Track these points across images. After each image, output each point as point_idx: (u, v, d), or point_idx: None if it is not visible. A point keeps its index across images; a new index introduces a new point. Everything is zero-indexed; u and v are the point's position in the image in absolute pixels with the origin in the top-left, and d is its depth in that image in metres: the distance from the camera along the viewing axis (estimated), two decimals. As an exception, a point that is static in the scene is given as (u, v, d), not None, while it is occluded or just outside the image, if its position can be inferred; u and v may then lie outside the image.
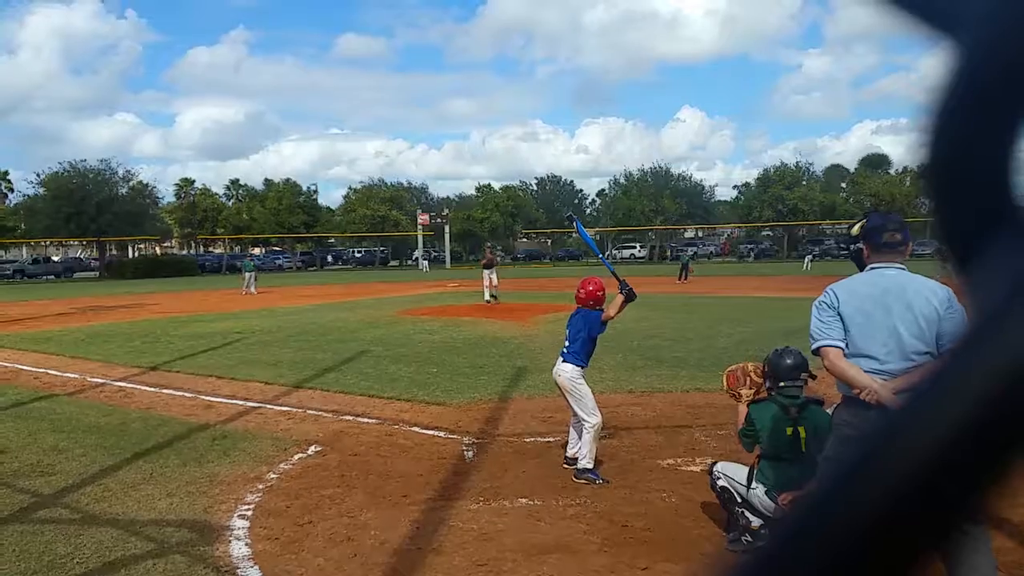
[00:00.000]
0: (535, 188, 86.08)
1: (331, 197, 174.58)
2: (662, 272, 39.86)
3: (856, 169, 75.60)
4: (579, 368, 5.53)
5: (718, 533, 4.37)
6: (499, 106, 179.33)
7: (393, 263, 71.75)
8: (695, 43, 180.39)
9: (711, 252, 69.86)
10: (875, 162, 78.55)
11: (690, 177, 75.94)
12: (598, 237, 78.00)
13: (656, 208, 67.60)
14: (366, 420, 7.37)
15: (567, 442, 5.77)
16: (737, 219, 71.97)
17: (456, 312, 18.82)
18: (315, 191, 69.97)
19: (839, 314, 3.28)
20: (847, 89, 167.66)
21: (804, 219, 63.78)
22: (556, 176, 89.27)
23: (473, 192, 77.98)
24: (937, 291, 3.17)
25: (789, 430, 4.02)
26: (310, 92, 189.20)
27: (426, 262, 57.52)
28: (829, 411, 3.97)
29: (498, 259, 22.63)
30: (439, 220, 64.90)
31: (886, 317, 3.18)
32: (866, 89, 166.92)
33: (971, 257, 0.33)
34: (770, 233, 68.24)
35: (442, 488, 5.28)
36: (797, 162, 69.55)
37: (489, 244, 29.32)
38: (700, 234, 78.35)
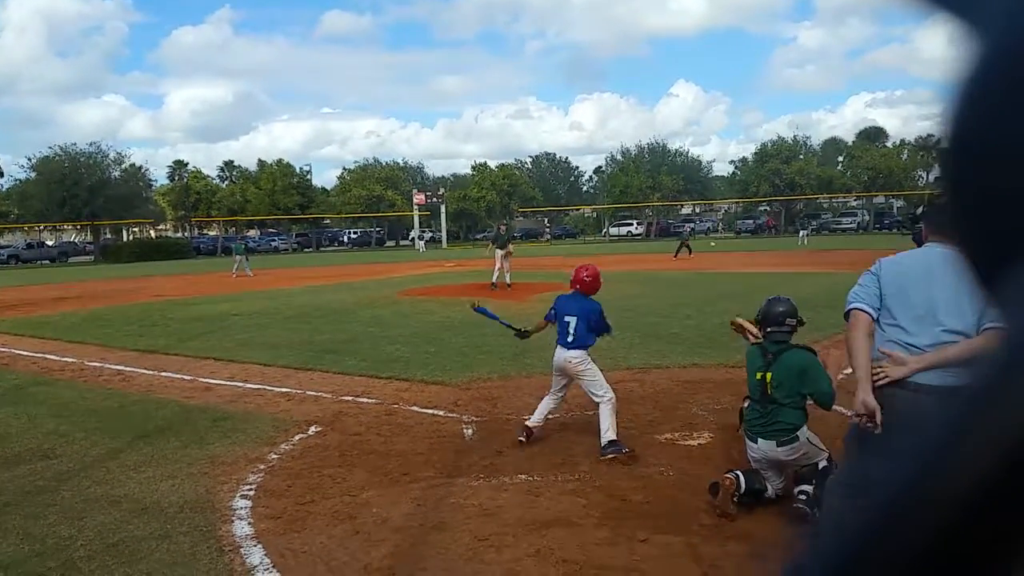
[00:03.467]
0: (530, 166, 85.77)
1: (324, 177, 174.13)
2: (661, 249, 39.86)
3: (853, 142, 75.28)
4: (585, 351, 5.53)
5: (705, 501, 4.41)
6: (490, 83, 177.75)
7: (389, 243, 71.64)
8: (685, 16, 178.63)
9: (708, 228, 69.81)
10: (872, 135, 78.22)
11: (687, 152, 75.71)
12: (595, 215, 77.84)
13: (653, 184, 67.42)
14: (365, 400, 7.40)
15: (531, 415, 5.78)
16: (735, 194, 71.85)
17: (453, 291, 18.80)
18: (309, 172, 69.69)
19: (879, 283, 3.28)
20: (841, 61, 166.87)
21: (801, 193, 63.68)
22: (551, 154, 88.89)
23: (468, 171, 77.78)
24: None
25: (759, 375, 4.22)
26: (299, 71, 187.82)
27: (423, 242, 57.40)
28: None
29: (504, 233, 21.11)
30: (435, 200, 64.68)
31: (925, 291, 3.12)
32: (860, 61, 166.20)
33: (998, 272, 0.29)
34: (767, 208, 68.17)
35: (442, 466, 5.32)
36: (795, 136, 69.36)
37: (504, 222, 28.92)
38: (697, 210, 78.22)
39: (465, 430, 6.24)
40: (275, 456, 5.67)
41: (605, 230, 72.18)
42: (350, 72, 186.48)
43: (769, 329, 4.34)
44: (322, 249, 67.09)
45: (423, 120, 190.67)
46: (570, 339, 5.52)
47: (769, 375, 4.20)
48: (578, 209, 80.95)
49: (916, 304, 3.15)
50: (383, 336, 11.50)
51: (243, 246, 31.60)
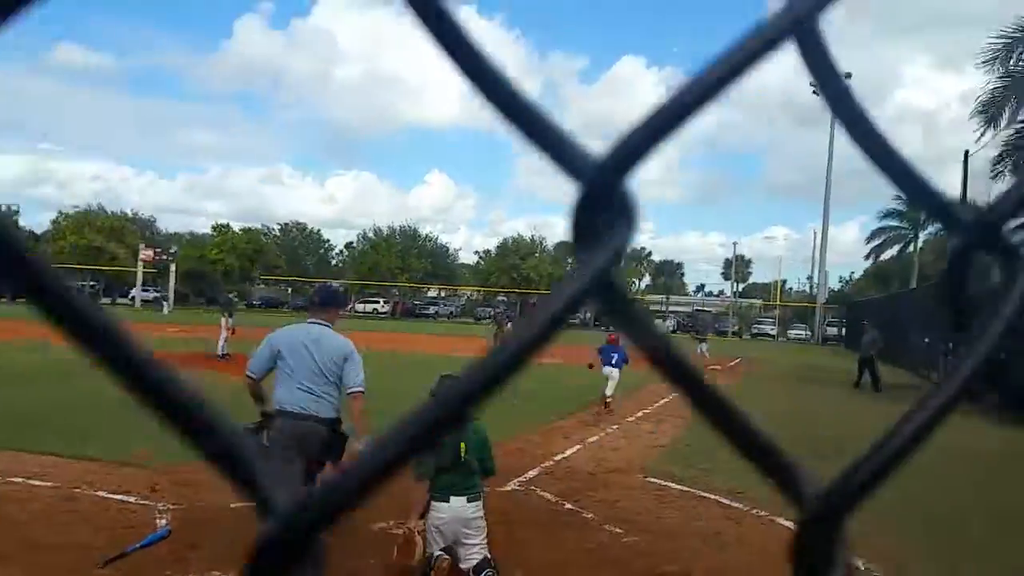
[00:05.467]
0: (278, 233, 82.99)
1: (36, 221, 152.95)
2: (408, 328, 40.12)
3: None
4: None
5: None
6: (242, 143, 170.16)
7: (104, 300, 64.34)
8: (441, 113, 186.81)
9: (451, 312, 72.08)
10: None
11: (436, 239, 78.42)
12: (344, 288, 76.87)
13: (402, 266, 68.64)
14: (38, 482, 6.42)
15: None
16: (477, 282, 75.30)
17: (173, 360, 17.23)
18: (17, 212, 60.96)
19: (277, 352, 4.70)
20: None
21: (535, 288, 68.48)
22: (301, 224, 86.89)
23: (208, 231, 73.21)
24: (342, 346, 4.77)
25: (452, 445, 4.58)
26: (16, 98, 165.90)
27: (166, 303, 52.14)
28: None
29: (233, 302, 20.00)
30: (165, 258, 59.72)
31: (308, 355, 4.63)
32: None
33: None
34: (505, 299, 72.22)
35: (123, 562, 4.74)
36: (532, 236, 75.05)
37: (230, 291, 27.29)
38: (443, 294, 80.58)
39: (158, 520, 5.65)
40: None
41: (351, 305, 71.40)
42: (80, 110, 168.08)
43: None
44: (18, 301, 58.34)
45: (162, 170, 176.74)
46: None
47: (463, 444, 4.63)
48: (325, 281, 79.54)
49: (304, 364, 4.64)
50: (76, 406, 10.14)
51: None
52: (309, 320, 4.90)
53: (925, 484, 7.08)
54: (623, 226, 0.31)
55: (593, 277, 0.30)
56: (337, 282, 77.69)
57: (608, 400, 12.71)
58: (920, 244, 54.50)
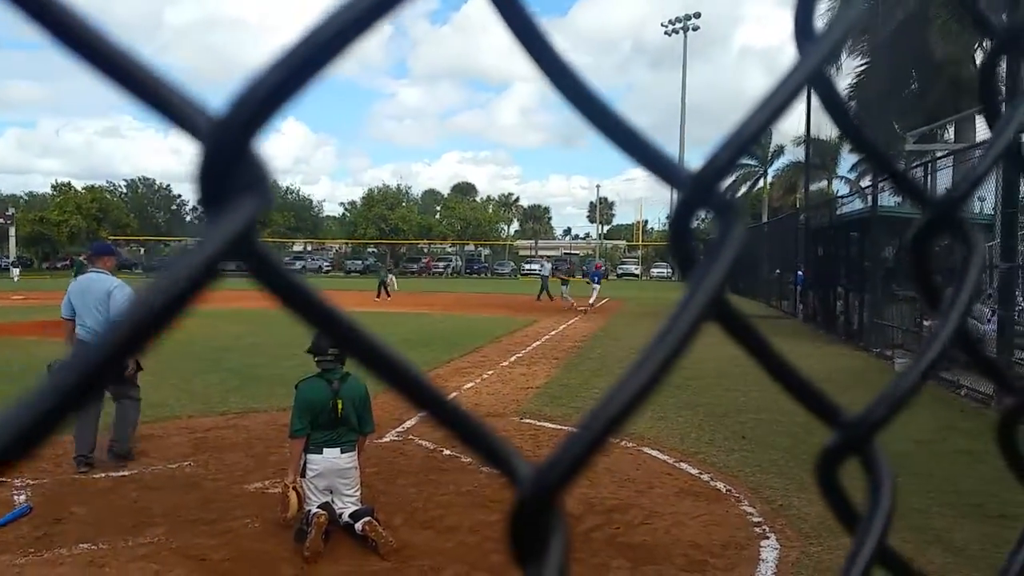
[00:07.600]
0: (125, 190, 77.20)
1: None
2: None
3: (448, 194, 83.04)
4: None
5: (289, 550, 4.43)
6: (74, 94, 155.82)
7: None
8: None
9: (319, 267, 70.11)
10: (464, 189, 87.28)
11: (298, 191, 75.60)
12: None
13: (263, 220, 65.71)
14: None
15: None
16: (344, 235, 73.56)
17: (14, 330, 15.93)
18: None
19: (71, 300, 6.09)
20: (434, 120, 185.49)
21: (404, 238, 67.74)
22: (149, 178, 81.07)
23: (48, 191, 67.12)
24: (107, 284, 6.03)
25: (330, 403, 4.66)
26: None
27: (17, 270, 47.36)
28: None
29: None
30: (2, 221, 54.42)
31: (86, 299, 6.00)
32: (449, 122, 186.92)
33: None
34: (375, 250, 71.14)
35: (-22, 545, 4.47)
36: (398, 184, 73.90)
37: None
38: (309, 248, 78.17)
39: (16, 496, 5.33)
40: None
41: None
42: None
43: (318, 359, 4.80)
44: None
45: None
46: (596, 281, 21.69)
47: (340, 402, 4.66)
48: (181, 241, 75.06)
49: (88, 309, 5.96)
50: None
51: None
52: (90, 271, 6.28)
53: (784, 406, 7.70)
54: (252, 198, 0.26)
55: (224, 245, 0.25)
56: (192, 241, 72.88)
57: (592, 303, 23.58)
58: (770, 180, 58.23)
